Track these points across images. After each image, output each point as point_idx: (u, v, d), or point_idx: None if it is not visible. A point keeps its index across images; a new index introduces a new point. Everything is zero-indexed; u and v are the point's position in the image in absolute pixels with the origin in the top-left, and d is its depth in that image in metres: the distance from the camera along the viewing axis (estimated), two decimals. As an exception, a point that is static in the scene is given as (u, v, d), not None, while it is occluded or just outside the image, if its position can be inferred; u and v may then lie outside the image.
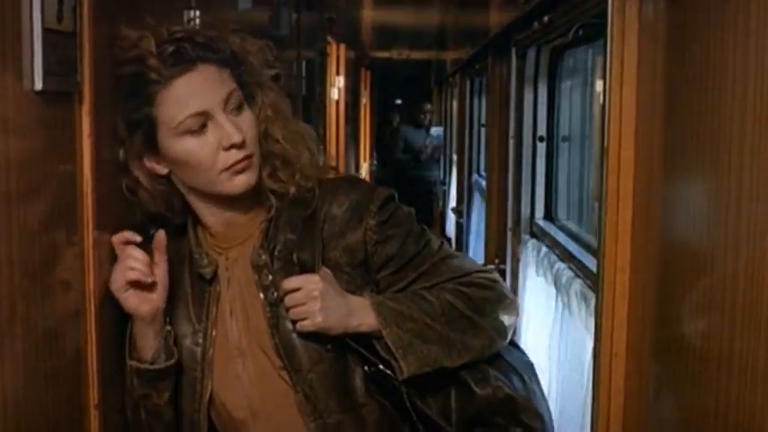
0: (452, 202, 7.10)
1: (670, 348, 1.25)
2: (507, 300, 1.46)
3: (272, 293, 1.37)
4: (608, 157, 1.44)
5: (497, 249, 3.70)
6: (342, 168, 5.70)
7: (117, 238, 1.31)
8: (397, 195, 1.45)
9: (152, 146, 1.33)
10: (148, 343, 1.36)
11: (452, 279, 1.43)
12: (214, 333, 1.40)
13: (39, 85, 1.04)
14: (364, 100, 9.49)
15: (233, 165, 1.32)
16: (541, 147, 3.20)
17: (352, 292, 1.37)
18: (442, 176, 8.88)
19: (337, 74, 5.76)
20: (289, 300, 1.34)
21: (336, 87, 5.65)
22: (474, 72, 5.54)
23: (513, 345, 1.55)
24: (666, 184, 1.27)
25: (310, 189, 1.40)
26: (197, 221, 1.44)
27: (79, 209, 1.20)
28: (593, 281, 1.78)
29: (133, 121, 1.31)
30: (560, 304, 2.43)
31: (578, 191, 3.31)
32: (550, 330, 2.59)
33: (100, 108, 1.22)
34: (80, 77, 1.16)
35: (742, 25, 0.97)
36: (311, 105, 4.18)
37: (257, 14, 2.80)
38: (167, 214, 1.40)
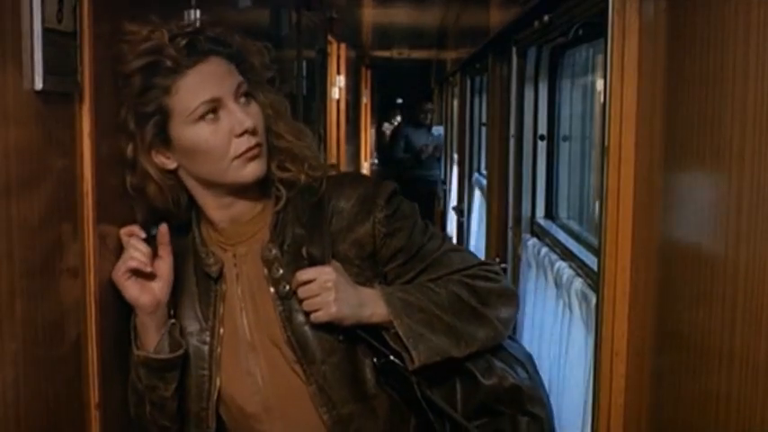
0: (453, 201, 7.09)
1: (671, 347, 1.25)
2: (510, 292, 1.50)
3: (284, 287, 1.38)
4: (608, 156, 1.44)
5: (498, 248, 3.70)
6: (343, 167, 5.70)
7: (124, 231, 1.35)
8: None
9: (162, 138, 1.34)
10: (150, 336, 1.37)
11: (458, 271, 1.45)
12: (221, 330, 1.41)
13: (39, 85, 1.04)
14: (365, 99, 9.51)
15: (245, 152, 1.33)
16: (542, 145, 3.19)
17: (362, 285, 1.39)
18: (442, 175, 8.87)
19: (338, 73, 5.77)
20: (302, 291, 1.35)
21: (337, 87, 5.66)
22: (474, 71, 5.52)
23: (511, 339, 1.56)
24: (667, 183, 1.27)
25: (318, 179, 1.42)
26: (201, 219, 1.45)
27: (79, 208, 1.20)
28: (594, 280, 1.78)
29: (146, 113, 1.32)
30: (561, 303, 2.43)
31: (579, 190, 3.30)
32: (551, 329, 2.59)
33: (100, 107, 1.23)
34: (80, 77, 1.17)
35: (742, 25, 0.97)
36: (312, 105, 4.18)
37: (257, 14, 2.81)
38: (173, 210, 1.41)
